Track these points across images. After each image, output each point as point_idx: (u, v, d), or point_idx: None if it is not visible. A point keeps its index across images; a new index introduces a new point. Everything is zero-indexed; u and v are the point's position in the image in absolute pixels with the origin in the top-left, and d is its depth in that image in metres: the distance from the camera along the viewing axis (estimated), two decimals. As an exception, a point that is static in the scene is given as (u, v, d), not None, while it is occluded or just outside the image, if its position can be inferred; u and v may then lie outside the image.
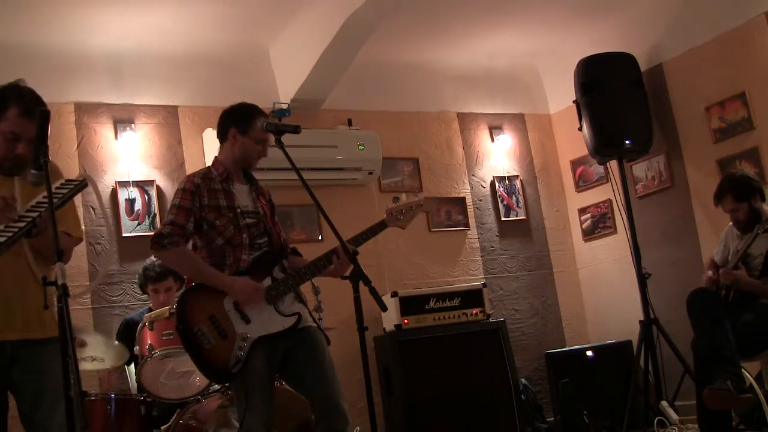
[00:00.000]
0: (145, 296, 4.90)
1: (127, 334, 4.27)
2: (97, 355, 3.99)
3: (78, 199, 2.92)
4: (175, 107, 5.64)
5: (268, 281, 3.25)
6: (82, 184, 2.64)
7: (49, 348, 2.61)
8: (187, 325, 3.15)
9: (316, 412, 3.21)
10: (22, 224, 2.49)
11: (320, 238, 5.79)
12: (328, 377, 3.19)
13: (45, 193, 2.52)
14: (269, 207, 3.49)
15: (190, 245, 3.31)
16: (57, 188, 2.58)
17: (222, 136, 3.45)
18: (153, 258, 4.44)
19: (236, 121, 3.39)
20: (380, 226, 3.41)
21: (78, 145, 5.25)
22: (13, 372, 2.69)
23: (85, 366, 3.90)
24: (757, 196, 4.50)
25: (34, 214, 2.50)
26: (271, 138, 3.32)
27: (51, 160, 2.55)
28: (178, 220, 3.23)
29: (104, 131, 5.36)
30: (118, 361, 4.10)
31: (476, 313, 5.69)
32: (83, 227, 4.46)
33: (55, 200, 2.51)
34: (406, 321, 5.48)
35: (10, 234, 2.47)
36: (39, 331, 2.70)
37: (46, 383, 2.63)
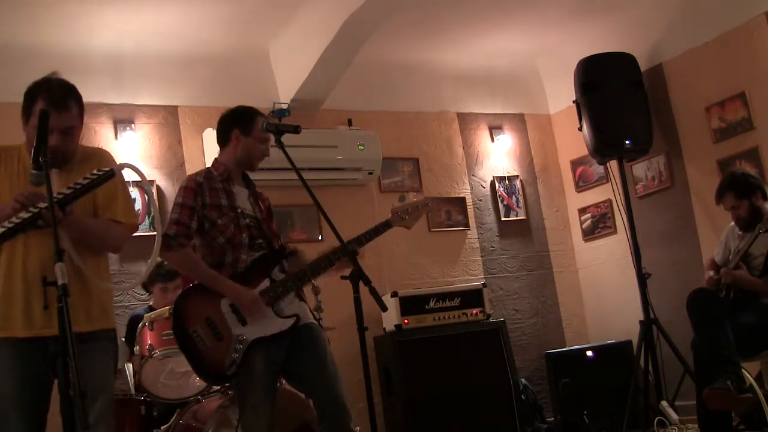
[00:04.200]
0: (145, 295, 4.90)
1: (135, 329, 4.25)
2: None
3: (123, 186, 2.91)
4: (175, 107, 5.64)
5: (266, 283, 3.25)
6: (107, 174, 2.61)
7: (91, 345, 2.64)
8: (182, 326, 3.15)
9: (318, 409, 3.22)
10: (26, 215, 2.48)
11: (320, 238, 5.79)
12: (331, 374, 3.19)
13: (72, 183, 2.53)
14: (267, 213, 3.49)
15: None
16: (84, 178, 2.58)
17: (223, 140, 3.45)
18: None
19: (238, 122, 3.40)
20: (384, 226, 3.41)
21: (78, 145, 5.25)
22: (57, 368, 2.66)
23: None
24: (758, 193, 4.49)
25: (41, 206, 2.49)
26: (271, 138, 3.32)
27: (102, 148, 2.51)
28: (182, 218, 3.24)
29: (104, 131, 5.37)
30: (122, 360, 4.10)
31: (476, 313, 5.69)
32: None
33: (67, 192, 2.52)
34: (406, 321, 5.48)
35: (11, 225, 2.47)
36: (86, 324, 2.68)
37: (85, 382, 2.62)
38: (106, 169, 2.63)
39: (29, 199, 2.53)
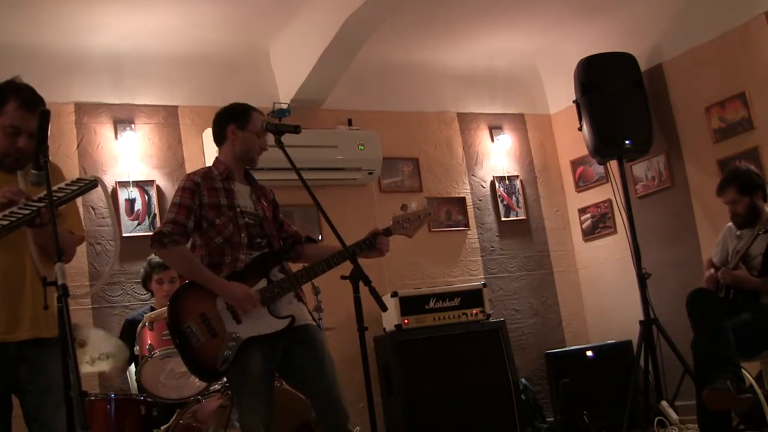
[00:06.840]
0: (146, 295, 4.90)
1: (130, 333, 4.26)
2: (100, 353, 3.98)
3: (78, 198, 2.91)
4: (175, 107, 5.64)
5: (263, 283, 3.24)
6: (92, 183, 2.63)
7: (56, 348, 2.61)
8: (177, 321, 3.15)
9: (316, 410, 3.22)
10: (26, 211, 2.48)
11: (320, 238, 5.79)
12: (328, 375, 3.18)
13: (54, 187, 2.52)
14: (272, 207, 3.48)
15: (189, 244, 3.31)
16: (67, 185, 2.58)
17: (220, 137, 3.45)
18: None
19: (234, 117, 3.41)
20: (384, 234, 3.40)
21: (78, 145, 5.25)
22: (19, 372, 2.69)
23: (87, 369, 3.87)
24: (760, 193, 4.49)
25: (40, 204, 2.49)
26: (272, 138, 3.33)
27: (51, 161, 2.54)
28: (178, 218, 3.23)
29: (104, 131, 5.37)
30: (121, 358, 4.08)
31: (476, 313, 5.69)
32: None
33: (60, 195, 2.52)
34: (406, 321, 5.48)
35: (13, 219, 2.47)
36: (47, 330, 2.69)
37: (51, 383, 2.63)
38: (91, 178, 2.64)
39: (15, 196, 2.53)
